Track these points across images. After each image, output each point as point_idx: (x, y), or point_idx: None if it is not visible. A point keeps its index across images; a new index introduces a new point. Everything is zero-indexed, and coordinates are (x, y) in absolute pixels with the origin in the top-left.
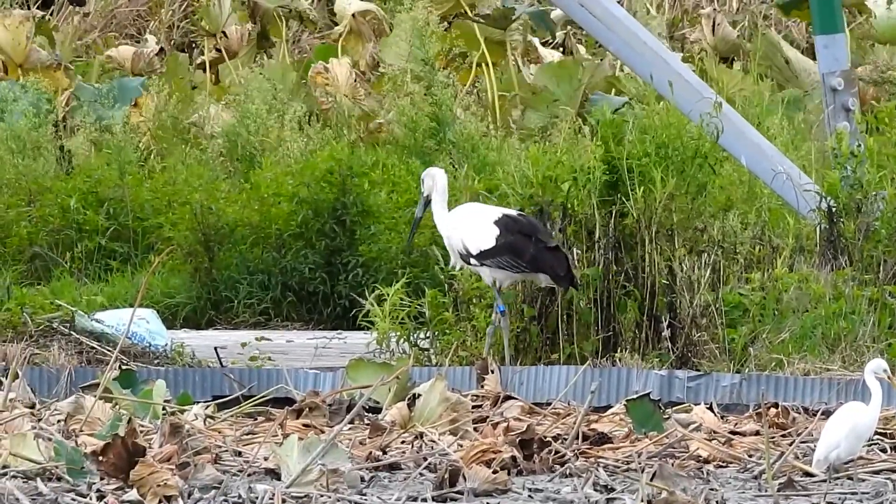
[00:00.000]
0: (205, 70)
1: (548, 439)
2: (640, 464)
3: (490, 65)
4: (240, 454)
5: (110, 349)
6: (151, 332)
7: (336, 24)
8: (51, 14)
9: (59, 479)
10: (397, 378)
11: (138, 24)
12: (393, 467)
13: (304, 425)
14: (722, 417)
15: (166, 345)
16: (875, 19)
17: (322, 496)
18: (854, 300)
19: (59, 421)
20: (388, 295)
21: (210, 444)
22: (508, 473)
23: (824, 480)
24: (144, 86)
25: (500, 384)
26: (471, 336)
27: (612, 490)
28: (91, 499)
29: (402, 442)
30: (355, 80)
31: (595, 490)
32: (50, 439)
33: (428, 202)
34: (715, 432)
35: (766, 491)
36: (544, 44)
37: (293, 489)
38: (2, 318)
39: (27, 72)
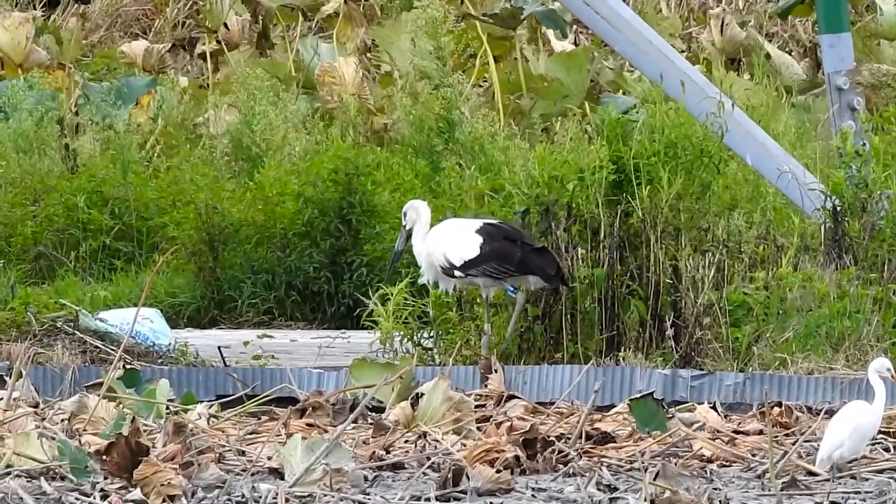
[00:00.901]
0: (205, 60)
1: (551, 439)
2: (643, 463)
3: (494, 63)
4: (243, 453)
5: (114, 348)
6: (155, 332)
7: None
8: (58, 14)
9: (63, 478)
10: (401, 377)
11: (143, 23)
12: (396, 467)
13: (307, 425)
14: (725, 416)
15: (170, 344)
16: (882, 15)
17: (325, 496)
18: (858, 299)
19: (62, 420)
20: (392, 294)
21: (213, 443)
22: (512, 473)
23: (828, 480)
24: (159, 82)
25: (503, 383)
26: (474, 335)
27: (616, 489)
28: (95, 498)
29: (406, 441)
30: (362, 79)
31: (598, 489)
32: (54, 438)
33: (409, 235)
34: (718, 431)
35: (769, 490)
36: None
37: (297, 489)
38: (6, 317)
39: (27, 72)
